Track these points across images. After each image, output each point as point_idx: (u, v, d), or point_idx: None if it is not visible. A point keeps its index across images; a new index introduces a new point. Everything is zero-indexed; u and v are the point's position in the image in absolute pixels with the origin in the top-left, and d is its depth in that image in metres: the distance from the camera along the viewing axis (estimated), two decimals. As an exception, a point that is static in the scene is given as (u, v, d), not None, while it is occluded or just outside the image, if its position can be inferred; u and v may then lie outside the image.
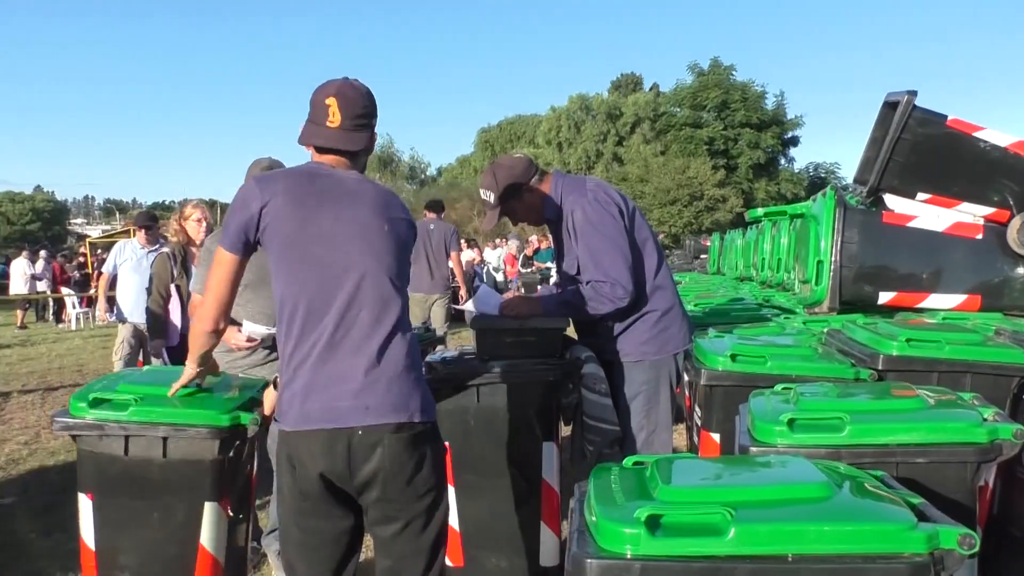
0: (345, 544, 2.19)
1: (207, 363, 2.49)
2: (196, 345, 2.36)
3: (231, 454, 2.61)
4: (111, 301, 7.03)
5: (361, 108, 2.25)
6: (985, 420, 2.14)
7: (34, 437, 6.39)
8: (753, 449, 2.12)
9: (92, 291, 16.34)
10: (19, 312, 16.97)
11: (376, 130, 2.34)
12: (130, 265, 6.80)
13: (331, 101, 2.21)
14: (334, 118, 2.22)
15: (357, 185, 2.22)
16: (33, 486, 5.13)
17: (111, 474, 2.56)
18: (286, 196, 2.14)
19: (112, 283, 6.99)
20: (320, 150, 2.26)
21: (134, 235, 7.46)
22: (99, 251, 22.91)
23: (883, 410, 2.21)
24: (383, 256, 2.17)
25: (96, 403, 2.54)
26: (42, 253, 19.69)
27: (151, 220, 7.20)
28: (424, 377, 2.22)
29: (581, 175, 3.73)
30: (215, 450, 2.55)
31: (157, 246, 6.73)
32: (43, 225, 63.05)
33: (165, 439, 2.53)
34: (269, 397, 2.61)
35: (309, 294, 2.12)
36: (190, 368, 2.48)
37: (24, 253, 18.73)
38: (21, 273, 17.46)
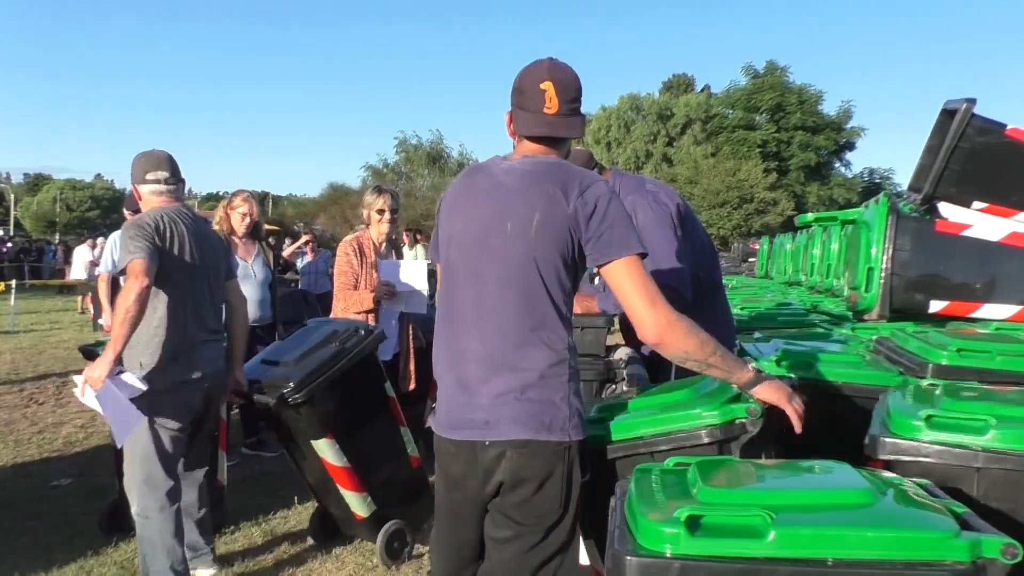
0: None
1: None
2: None
3: None
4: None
5: (574, 91, 2.06)
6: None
7: (90, 420, 6.55)
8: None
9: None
10: (79, 297, 17.44)
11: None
12: None
13: (547, 86, 2.02)
14: (551, 104, 2.02)
15: (512, 178, 2.05)
16: (89, 468, 5.31)
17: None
18: (445, 201, 2.15)
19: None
20: (533, 139, 2.09)
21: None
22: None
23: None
24: (504, 260, 2.01)
25: None
26: (99, 240, 20.15)
27: None
28: (568, 392, 2.02)
29: (640, 175, 3.74)
30: None
31: None
32: (102, 212, 64.62)
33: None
34: None
35: (445, 301, 2.12)
36: None
37: (87, 241, 19.27)
38: (83, 260, 17.94)
